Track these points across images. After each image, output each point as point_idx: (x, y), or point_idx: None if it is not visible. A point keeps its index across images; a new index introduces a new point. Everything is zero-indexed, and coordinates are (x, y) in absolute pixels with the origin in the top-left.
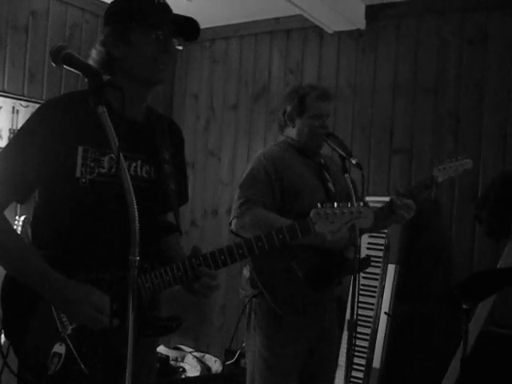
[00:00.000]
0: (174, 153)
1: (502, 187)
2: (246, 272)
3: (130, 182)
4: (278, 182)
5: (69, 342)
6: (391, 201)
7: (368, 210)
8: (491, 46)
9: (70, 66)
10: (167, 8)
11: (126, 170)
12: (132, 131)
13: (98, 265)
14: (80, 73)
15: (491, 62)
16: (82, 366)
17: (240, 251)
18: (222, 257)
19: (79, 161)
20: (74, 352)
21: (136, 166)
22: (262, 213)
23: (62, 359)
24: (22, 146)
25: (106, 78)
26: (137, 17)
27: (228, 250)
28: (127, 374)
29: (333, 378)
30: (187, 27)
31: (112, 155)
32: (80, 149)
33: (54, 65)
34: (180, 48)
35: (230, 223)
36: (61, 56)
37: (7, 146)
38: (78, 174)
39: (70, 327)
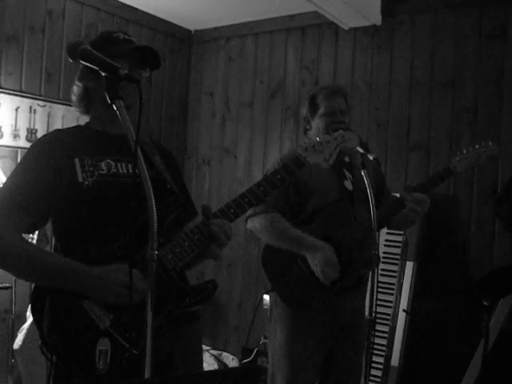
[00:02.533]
0: (167, 168)
1: None
2: None
3: (147, 174)
4: (293, 185)
5: (112, 332)
6: (401, 196)
7: (350, 133)
8: (510, 40)
9: (87, 62)
10: (131, 42)
11: (143, 161)
12: (120, 142)
13: (118, 255)
14: (97, 68)
15: (510, 57)
16: (132, 349)
17: (246, 200)
18: (232, 210)
19: (78, 169)
20: (120, 339)
21: (128, 167)
22: (276, 218)
23: (108, 354)
24: (26, 173)
25: (123, 72)
26: (103, 52)
27: (235, 202)
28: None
29: (356, 381)
30: (150, 55)
31: (108, 160)
32: (76, 160)
33: (71, 61)
34: (146, 75)
35: (246, 221)
36: (78, 51)
37: (12, 176)
38: (80, 179)
39: (107, 319)
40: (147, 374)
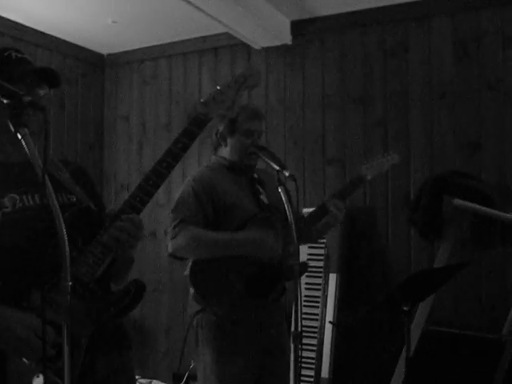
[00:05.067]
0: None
1: (432, 190)
2: (192, 289)
3: (56, 203)
4: (209, 203)
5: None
6: (323, 203)
7: (249, 68)
8: (411, 55)
9: None
10: (25, 61)
11: (51, 190)
12: (22, 170)
13: (30, 292)
14: None
15: (413, 71)
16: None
17: (151, 182)
18: (138, 198)
19: None
20: (51, 373)
21: (34, 197)
22: (196, 230)
23: None
24: None
25: (27, 99)
26: None
27: (139, 189)
28: None
29: None
30: (48, 75)
31: (12, 195)
32: None
33: None
34: (45, 93)
35: (167, 247)
36: None
37: None
38: None
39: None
40: None
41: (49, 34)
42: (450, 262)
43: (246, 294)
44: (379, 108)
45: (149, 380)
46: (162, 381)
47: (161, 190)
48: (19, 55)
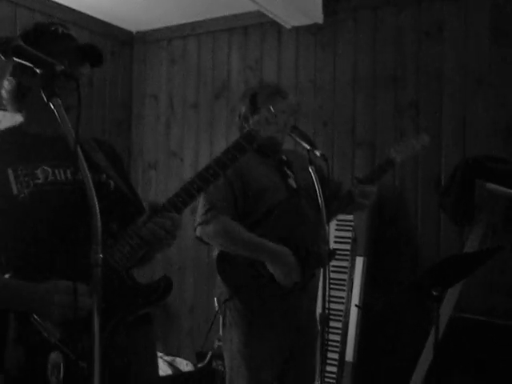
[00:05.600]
0: (112, 166)
1: (464, 174)
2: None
3: (88, 176)
4: (240, 188)
5: (62, 346)
6: (349, 192)
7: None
8: (447, 36)
9: (21, 58)
10: (71, 37)
11: (84, 163)
12: (57, 144)
13: (63, 266)
14: (31, 65)
15: (448, 52)
16: (81, 363)
17: (195, 186)
18: (180, 198)
19: (12, 180)
20: (71, 354)
21: (66, 173)
22: (229, 223)
23: (61, 368)
24: None
25: (59, 68)
26: (40, 48)
27: (184, 190)
28: (95, 367)
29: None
30: (92, 53)
31: (44, 167)
32: (9, 170)
33: (2, 58)
34: (87, 71)
35: (195, 229)
36: (10, 48)
37: None
38: (15, 191)
39: (57, 332)
40: None
41: (78, 11)
42: (481, 248)
43: (272, 281)
44: (411, 90)
45: (172, 357)
46: (185, 358)
47: (188, 171)
48: (65, 31)
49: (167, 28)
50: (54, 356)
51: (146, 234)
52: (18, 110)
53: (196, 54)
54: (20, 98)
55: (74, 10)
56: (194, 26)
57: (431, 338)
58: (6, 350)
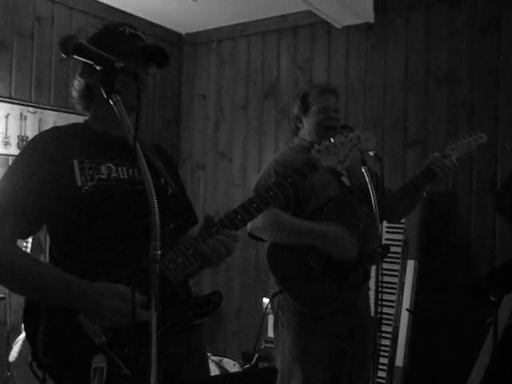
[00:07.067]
0: (168, 173)
1: None
2: None
3: (148, 172)
4: None
5: (107, 349)
6: (428, 167)
7: (366, 133)
8: (504, 33)
9: (81, 56)
10: (138, 38)
11: (144, 160)
12: (121, 144)
13: (118, 264)
14: (92, 62)
15: (505, 50)
16: (126, 369)
17: (254, 205)
18: (239, 216)
19: (77, 171)
20: (116, 358)
21: (129, 172)
22: (278, 213)
23: (104, 371)
24: (21, 175)
25: (119, 65)
26: (106, 47)
27: (242, 208)
28: (152, 369)
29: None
30: (159, 54)
31: (108, 164)
32: (75, 162)
33: (63, 55)
34: (153, 72)
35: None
36: (71, 46)
37: (4, 178)
38: (79, 183)
39: (103, 335)
40: None
41: (129, 13)
42: None
43: (324, 276)
44: (465, 89)
45: (220, 357)
46: (232, 359)
47: (236, 171)
48: (133, 31)
49: (217, 29)
50: (98, 358)
51: (205, 249)
52: (86, 109)
53: (245, 54)
54: (88, 98)
55: (125, 12)
56: (243, 26)
57: (487, 345)
58: (44, 346)
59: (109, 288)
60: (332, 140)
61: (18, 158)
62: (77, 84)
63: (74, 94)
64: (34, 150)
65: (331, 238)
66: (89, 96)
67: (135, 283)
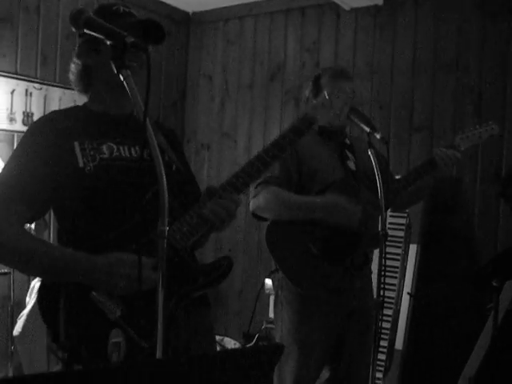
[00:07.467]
0: (171, 147)
1: None
2: None
3: (157, 147)
4: (294, 166)
5: (122, 323)
6: (431, 158)
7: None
8: None
9: (92, 30)
10: (131, 15)
11: (153, 136)
12: (121, 123)
13: (126, 240)
14: (103, 37)
15: None
16: (143, 342)
17: (255, 167)
18: (240, 179)
19: (78, 153)
20: (131, 332)
21: (130, 150)
22: (278, 190)
23: (122, 345)
24: (23, 161)
25: (129, 39)
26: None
27: (242, 171)
28: (158, 336)
29: (368, 365)
30: (154, 29)
31: (109, 143)
32: (76, 143)
33: (73, 29)
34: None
35: (250, 205)
36: (82, 20)
37: (8, 164)
38: (81, 164)
39: (118, 309)
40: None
41: None
42: None
43: (321, 257)
44: (473, 74)
45: (221, 337)
46: (233, 338)
47: (241, 150)
48: (127, 9)
49: (224, 8)
50: (115, 333)
51: (206, 213)
52: (84, 90)
53: (252, 34)
54: (86, 79)
55: None
56: (250, 6)
57: (486, 331)
58: (65, 329)
59: (117, 257)
60: (326, 96)
61: (19, 144)
62: (73, 67)
63: (72, 77)
64: (36, 135)
65: (332, 206)
66: (87, 77)
67: (143, 253)
